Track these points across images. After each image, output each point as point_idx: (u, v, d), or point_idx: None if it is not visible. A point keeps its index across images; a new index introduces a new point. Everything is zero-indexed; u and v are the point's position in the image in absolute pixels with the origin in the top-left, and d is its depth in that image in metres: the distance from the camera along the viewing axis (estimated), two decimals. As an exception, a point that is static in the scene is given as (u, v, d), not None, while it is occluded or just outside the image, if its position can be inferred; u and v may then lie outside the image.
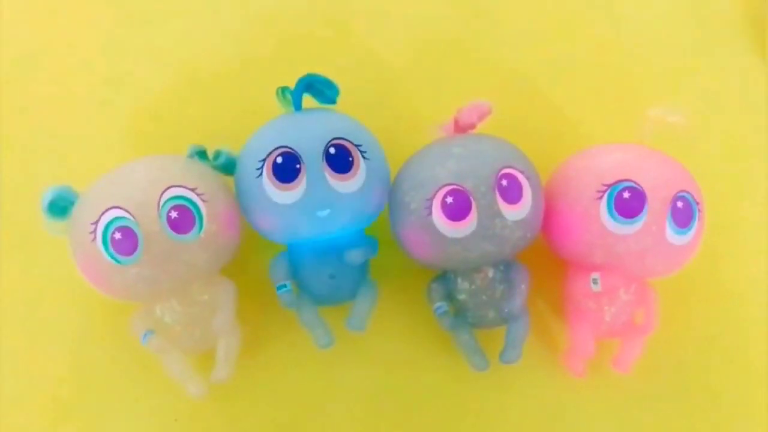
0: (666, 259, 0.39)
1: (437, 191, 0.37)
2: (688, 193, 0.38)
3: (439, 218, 0.37)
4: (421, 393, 0.43)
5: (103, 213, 0.36)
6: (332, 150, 0.37)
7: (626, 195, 0.37)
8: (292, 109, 0.40)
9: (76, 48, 0.48)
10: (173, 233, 0.36)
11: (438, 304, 0.41)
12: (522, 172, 0.38)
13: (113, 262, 0.36)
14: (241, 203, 0.39)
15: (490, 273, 0.40)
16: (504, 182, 0.37)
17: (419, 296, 0.42)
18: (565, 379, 0.42)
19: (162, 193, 0.36)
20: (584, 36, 0.49)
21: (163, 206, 0.36)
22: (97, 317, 0.43)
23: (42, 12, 0.49)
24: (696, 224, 0.38)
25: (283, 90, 0.40)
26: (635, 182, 0.37)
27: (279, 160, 0.37)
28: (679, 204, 0.38)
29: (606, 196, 0.38)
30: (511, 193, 0.37)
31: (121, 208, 0.35)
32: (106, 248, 0.36)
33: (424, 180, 0.38)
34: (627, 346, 0.41)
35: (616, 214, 0.37)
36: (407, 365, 0.43)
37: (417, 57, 0.48)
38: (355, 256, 0.39)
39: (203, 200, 0.37)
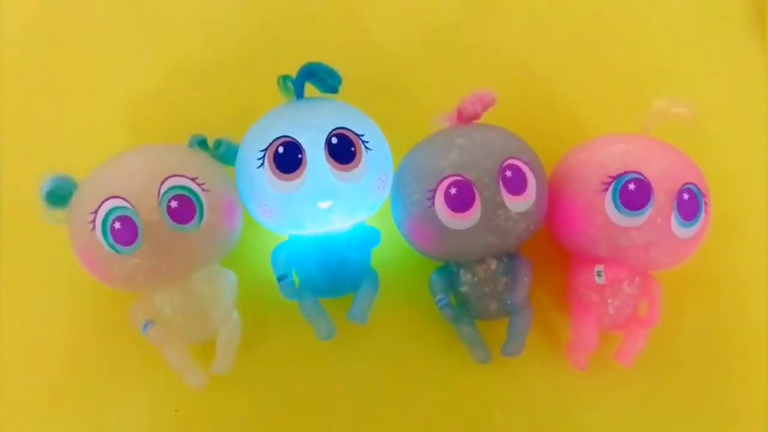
0: (671, 252, 0.38)
1: (440, 182, 0.37)
2: (694, 184, 0.38)
3: (442, 209, 0.37)
4: (422, 385, 0.43)
5: (102, 202, 0.35)
6: (334, 140, 0.37)
7: (632, 187, 0.37)
8: (294, 98, 0.39)
9: (75, 38, 0.47)
10: (173, 223, 0.36)
11: (440, 296, 0.41)
12: (526, 163, 0.38)
13: (113, 251, 0.35)
14: (242, 193, 0.39)
15: (493, 265, 0.40)
16: (508, 173, 0.37)
17: (421, 288, 0.42)
18: (567, 372, 0.42)
19: (162, 183, 0.36)
20: (589, 26, 0.48)
21: (163, 196, 0.35)
22: (96, 307, 0.43)
23: (42, 3, 0.48)
24: (702, 217, 0.38)
25: (285, 79, 0.39)
26: (641, 174, 0.37)
27: (281, 150, 0.37)
28: (686, 196, 0.37)
29: (611, 187, 0.37)
30: (515, 184, 0.37)
31: (120, 197, 0.35)
32: (106, 238, 0.35)
33: (427, 171, 0.37)
34: (630, 339, 0.41)
35: (621, 206, 0.37)
36: (409, 357, 0.43)
37: (420, 47, 0.47)
38: (357, 248, 0.39)
39: (204, 190, 0.37)
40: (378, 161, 0.38)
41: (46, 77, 0.47)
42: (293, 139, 0.37)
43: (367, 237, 0.40)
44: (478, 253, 0.39)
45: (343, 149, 0.37)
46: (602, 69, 0.47)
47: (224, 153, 0.40)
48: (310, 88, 0.39)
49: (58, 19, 0.48)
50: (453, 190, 0.37)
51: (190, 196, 0.36)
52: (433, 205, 0.37)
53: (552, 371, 0.43)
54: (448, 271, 0.41)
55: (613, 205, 0.37)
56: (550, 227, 0.41)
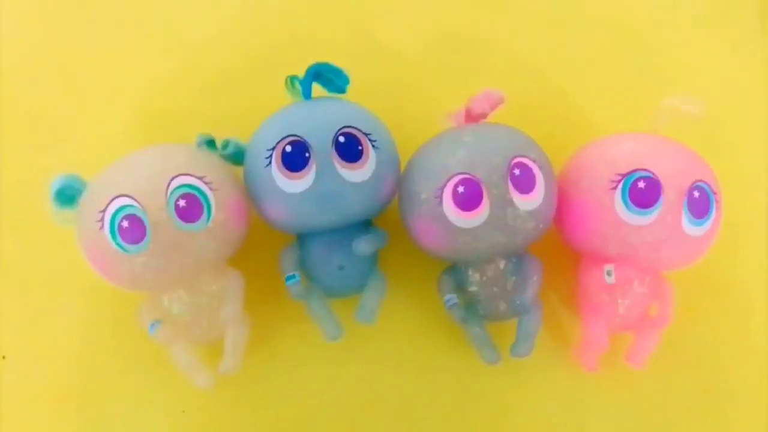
0: (682, 250, 0.38)
1: (448, 180, 0.37)
2: (705, 182, 0.37)
3: (449, 208, 0.37)
4: (430, 385, 0.43)
5: (110, 201, 0.35)
6: (342, 139, 0.37)
7: (641, 185, 0.37)
8: (302, 98, 0.39)
9: (84, 38, 0.48)
10: (181, 222, 0.36)
11: (448, 296, 0.40)
12: (535, 161, 0.37)
13: (120, 250, 0.35)
14: (250, 192, 0.39)
15: (502, 264, 0.39)
16: (516, 171, 0.37)
17: (429, 288, 0.42)
18: (577, 373, 0.42)
19: (170, 182, 0.36)
20: (597, 25, 0.48)
21: (170, 195, 0.36)
22: (104, 307, 0.43)
23: (50, 2, 0.48)
24: (713, 215, 0.38)
25: (292, 79, 0.39)
26: (651, 171, 0.37)
27: (288, 148, 0.37)
28: (696, 194, 0.37)
29: (620, 185, 0.37)
30: (524, 182, 0.37)
31: (128, 196, 0.35)
32: (114, 237, 0.35)
33: (435, 169, 0.37)
34: (641, 340, 0.41)
35: (630, 204, 0.37)
36: (417, 358, 0.43)
37: (428, 45, 0.47)
38: (363, 245, 0.39)
39: (211, 189, 0.37)
40: (385, 160, 0.38)
41: (56, 78, 0.47)
42: (300, 138, 0.37)
43: (374, 237, 0.40)
44: (487, 252, 0.38)
45: (350, 148, 0.37)
46: (611, 67, 0.47)
47: (232, 153, 0.40)
48: (318, 89, 0.39)
49: (68, 20, 0.48)
50: (461, 189, 0.36)
51: (198, 195, 0.36)
52: (441, 203, 0.37)
53: (562, 372, 0.42)
54: (457, 271, 0.41)
55: (622, 203, 0.37)
56: (559, 226, 0.41)
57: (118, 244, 0.35)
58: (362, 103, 0.40)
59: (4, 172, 0.45)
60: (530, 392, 0.43)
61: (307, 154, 0.36)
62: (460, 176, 0.36)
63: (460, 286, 0.41)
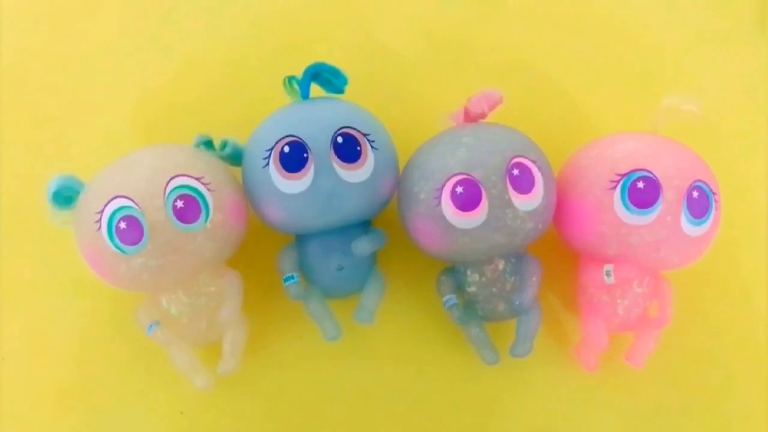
0: (681, 250, 0.38)
1: (447, 181, 0.36)
2: (704, 182, 0.37)
3: (448, 208, 0.37)
4: (429, 386, 0.42)
5: (108, 202, 0.35)
6: (340, 139, 0.37)
7: (640, 185, 0.36)
8: (300, 98, 0.39)
9: (81, 38, 0.48)
10: (179, 223, 0.35)
11: (447, 296, 0.40)
12: (534, 162, 0.37)
13: (118, 252, 0.35)
14: (248, 193, 0.39)
15: (501, 265, 0.39)
16: (515, 171, 0.36)
17: (428, 288, 0.41)
18: (577, 373, 0.42)
19: (167, 182, 0.36)
20: (597, 25, 0.48)
21: (168, 195, 0.35)
22: (102, 309, 0.43)
23: (50, 2, 0.48)
24: (712, 215, 0.38)
25: (290, 79, 0.39)
26: (650, 171, 0.37)
27: (286, 149, 0.37)
28: (695, 194, 0.37)
29: (620, 186, 0.37)
30: (523, 182, 0.37)
31: (126, 197, 0.35)
32: (111, 238, 0.35)
33: (434, 169, 0.37)
34: (640, 340, 0.41)
35: (630, 204, 0.37)
36: (416, 358, 0.43)
37: (426, 45, 0.47)
38: (362, 246, 0.39)
39: (209, 190, 0.37)
40: (384, 160, 0.38)
41: (56, 78, 0.47)
42: (299, 138, 0.36)
43: (373, 238, 0.40)
44: (486, 252, 0.38)
45: (348, 148, 0.37)
46: (611, 67, 0.47)
47: (230, 153, 0.40)
48: (316, 89, 0.39)
49: (68, 20, 0.48)
50: (460, 189, 0.36)
51: (196, 196, 0.36)
52: (439, 204, 0.37)
53: (561, 373, 0.42)
54: (456, 272, 0.40)
55: (621, 204, 0.37)
56: (558, 226, 0.41)
57: (115, 245, 0.35)
58: (361, 103, 0.39)
59: (4, 172, 0.45)
60: (530, 392, 0.42)
61: (305, 155, 0.36)
62: (459, 176, 0.36)
63: (459, 287, 0.40)
